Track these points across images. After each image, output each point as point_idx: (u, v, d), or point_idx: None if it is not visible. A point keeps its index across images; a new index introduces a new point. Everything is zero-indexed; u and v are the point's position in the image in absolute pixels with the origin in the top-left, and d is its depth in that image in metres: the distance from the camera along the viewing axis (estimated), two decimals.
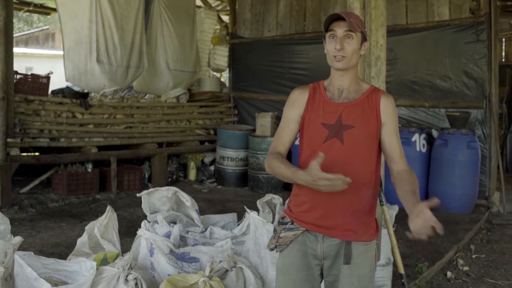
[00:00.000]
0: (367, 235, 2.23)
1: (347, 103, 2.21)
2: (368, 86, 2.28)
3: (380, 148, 2.26)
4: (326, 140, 2.18)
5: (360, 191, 2.19)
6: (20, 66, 13.08)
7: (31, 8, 9.86)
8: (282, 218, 2.32)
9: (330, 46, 2.18)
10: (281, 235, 2.26)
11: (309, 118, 2.24)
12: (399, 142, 2.25)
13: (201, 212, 3.96)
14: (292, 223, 2.25)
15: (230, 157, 8.19)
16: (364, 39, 2.22)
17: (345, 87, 2.24)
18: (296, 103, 2.29)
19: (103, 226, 3.08)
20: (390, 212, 3.66)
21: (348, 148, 2.16)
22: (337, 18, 2.16)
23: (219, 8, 10.60)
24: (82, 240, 3.12)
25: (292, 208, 2.29)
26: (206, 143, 8.83)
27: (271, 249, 2.30)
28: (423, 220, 1.89)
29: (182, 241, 3.27)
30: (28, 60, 19.49)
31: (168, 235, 3.19)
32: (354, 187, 2.09)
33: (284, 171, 2.15)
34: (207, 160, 8.88)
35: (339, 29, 2.16)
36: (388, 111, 2.22)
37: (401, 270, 3.39)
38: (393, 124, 2.24)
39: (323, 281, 2.31)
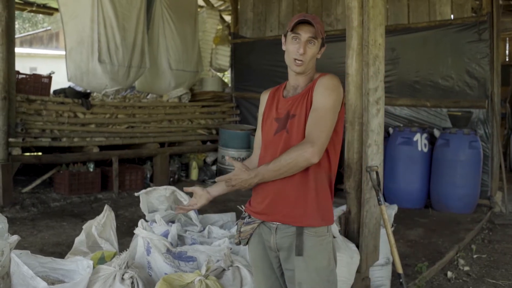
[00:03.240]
0: (318, 219, 2.24)
1: (294, 96, 2.31)
2: (317, 75, 2.33)
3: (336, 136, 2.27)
4: (275, 132, 2.30)
5: (306, 176, 2.22)
6: (24, 66, 13.13)
7: (34, 8, 9.88)
8: (243, 213, 2.44)
9: (292, 48, 2.26)
10: (241, 229, 2.38)
11: (267, 116, 2.39)
12: (318, 121, 2.17)
13: (202, 211, 3.95)
14: (249, 217, 2.36)
15: (232, 157, 8.19)
16: (322, 44, 2.31)
17: (300, 85, 2.34)
18: (261, 104, 2.47)
19: (101, 225, 3.08)
20: (389, 212, 3.66)
21: (291, 136, 2.25)
22: (304, 21, 2.22)
23: (221, 8, 10.61)
24: (80, 239, 3.12)
25: (251, 202, 2.38)
26: (208, 143, 8.84)
27: (237, 244, 2.43)
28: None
29: (180, 240, 3.27)
30: (32, 60, 19.54)
31: (166, 234, 3.19)
32: (300, 173, 2.20)
33: None
34: (209, 159, 8.89)
35: (304, 34, 2.23)
36: (318, 88, 2.23)
37: (399, 269, 3.39)
38: (318, 100, 2.20)
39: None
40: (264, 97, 2.45)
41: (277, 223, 2.27)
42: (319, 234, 2.24)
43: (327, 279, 2.26)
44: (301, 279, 2.23)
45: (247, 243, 2.39)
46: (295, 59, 2.24)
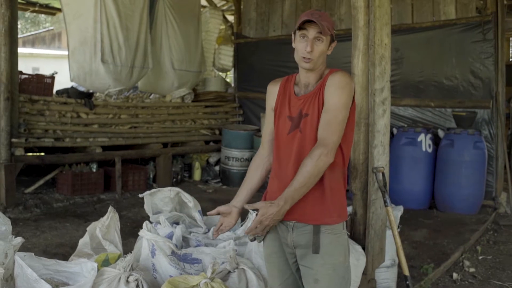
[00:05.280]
0: (333, 217, 2.25)
1: (306, 95, 2.31)
2: (327, 71, 2.32)
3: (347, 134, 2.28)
4: (289, 132, 2.30)
5: (322, 174, 2.21)
6: (27, 66, 13.10)
7: (36, 8, 9.87)
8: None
9: (300, 46, 2.26)
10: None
11: (280, 111, 2.36)
12: (329, 122, 2.18)
13: (206, 212, 3.91)
14: None
15: (235, 157, 8.16)
16: (332, 40, 2.29)
17: (311, 83, 2.33)
18: (270, 96, 2.44)
19: (105, 227, 3.05)
20: (395, 213, 3.63)
21: (304, 136, 2.26)
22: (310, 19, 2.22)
23: (224, 8, 10.58)
24: (84, 241, 3.10)
25: (266, 199, 2.37)
26: (211, 143, 8.81)
27: (251, 240, 2.43)
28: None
29: (185, 242, 3.24)
30: (34, 60, 19.55)
31: (170, 236, 3.17)
32: None
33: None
34: (212, 160, 8.87)
35: (311, 31, 2.23)
36: (329, 87, 2.22)
37: (406, 271, 3.36)
38: (330, 100, 2.21)
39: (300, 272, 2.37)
40: (274, 89, 2.42)
41: (294, 221, 2.27)
42: (336, 231, 2.26)
43: (343, 276, 2.28)
44: (318, 275, 2.25)
45: (262, 239, 2.39)
46: (303, 57, 2.24)
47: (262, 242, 2.42)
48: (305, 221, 2.25)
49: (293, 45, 2.31)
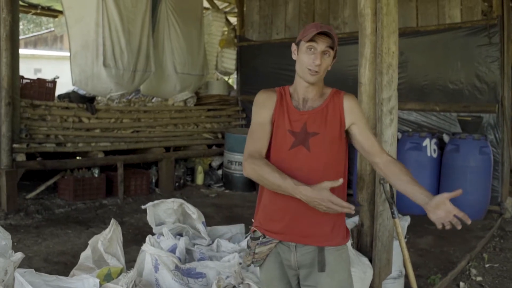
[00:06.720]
0: (338, 239, 2.25)
1: (311, 111, 2.24)
2: (329, 90, 2.30)
3: (347, 149, 2.32)
4: (292, 147, 2.22)
5: None
6: (29, 67, 13.09)
7: (38, 11, 9.85)
8: (253, 232, 2.33)
9: (307, 58, 2.17)
10: (256, 250, 2.28)
11: (278, 124, 2.26)
12: (374, 136, 2.34)
13: (209, 217, 3.85)
14: (264, 237, 2.27)
15: (238, 161, 8.09)
16: (334, 56, 2.26)
17: (310, 98, 2.27)
18: (267, 105, 2.28)
19: (107, 240, 2.99)
20: (402, 224, 3.57)
21: (314, 155, 2.19)
22: (322, 32, 2.14)
23: (226, 10, 10.52)
24: (86, 254, 3.03)
25: (261, 220, 2.29)
26: (214, 147, 8.76)
27: (248, 265, 2.37)
28: (445, 211, 2.00)
29: (189, 254, 3.18)
30: (37, 61, 19.53)
31: (173, 248, 3.11)
32: None
33: (277, 180, 2.04)
34: (215, 164, 8.80)
35: (321, 44, 2.16)
36: (354, 110, 2.25)
37: (414, 285, 3.29)
38: (363, 121, 2.28)
39: None
40: (270, 100, 2.27)
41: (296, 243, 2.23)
42: (339, 248, 2.25)
43: None
44: None
45: (260, 265, 2.31)
46: (310, 69, 2.17)
47: (259, 267, 2.34)
48: (307, 242, 2.21)
49: (295, 57, 2.23)
